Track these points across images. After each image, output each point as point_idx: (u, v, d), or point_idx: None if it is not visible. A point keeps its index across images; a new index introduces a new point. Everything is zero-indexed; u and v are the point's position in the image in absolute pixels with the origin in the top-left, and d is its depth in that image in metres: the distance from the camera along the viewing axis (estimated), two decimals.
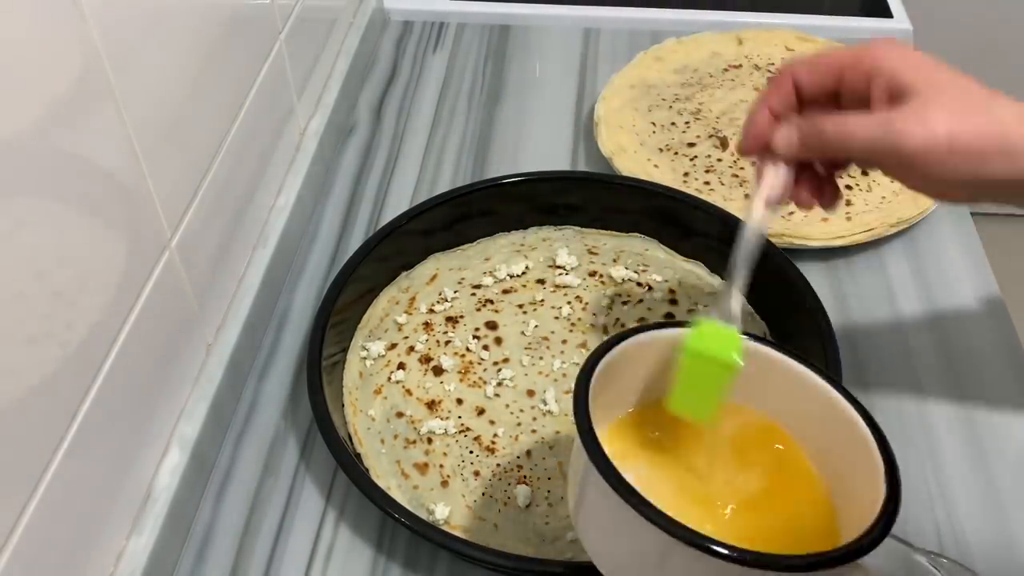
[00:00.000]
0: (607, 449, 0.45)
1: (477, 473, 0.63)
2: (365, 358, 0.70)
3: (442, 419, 0.66)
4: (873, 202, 0.81)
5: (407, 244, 0.76)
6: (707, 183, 0.83)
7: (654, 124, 0.89)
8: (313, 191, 0.84)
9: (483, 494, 0.62)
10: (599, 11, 1.07)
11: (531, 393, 0.67)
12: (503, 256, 0.77)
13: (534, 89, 0.98)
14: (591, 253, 0.78)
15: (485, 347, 0.70)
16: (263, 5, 0.73)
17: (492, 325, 0.72)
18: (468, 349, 0.70)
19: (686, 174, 0.84)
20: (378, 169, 0.89)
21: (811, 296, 0.68)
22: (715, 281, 0.75)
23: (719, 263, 0.76)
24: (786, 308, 0.70)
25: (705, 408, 0.51)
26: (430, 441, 0.65)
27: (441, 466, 0.63)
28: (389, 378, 0.69)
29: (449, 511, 0.61)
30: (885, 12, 1.06)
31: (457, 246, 0.78)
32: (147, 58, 0.55)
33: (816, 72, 0.52)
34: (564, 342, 0.71)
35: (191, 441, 0.62)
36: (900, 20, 1.05)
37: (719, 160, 0.85)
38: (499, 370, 0.69)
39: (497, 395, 0.67)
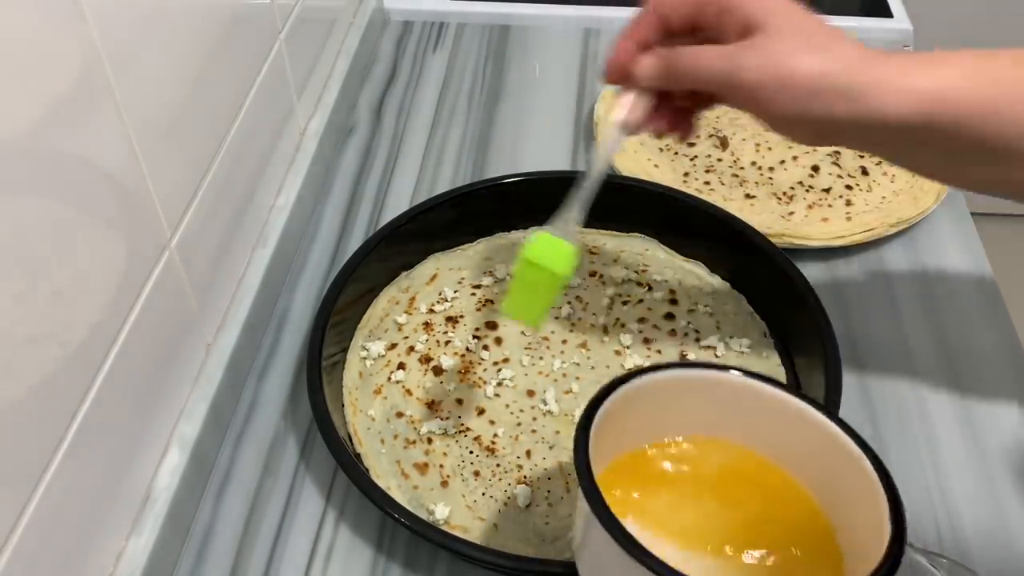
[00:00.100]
0: (609, 494, 0.44)
1: (477, 473, 0.63)
2: (365, 358, 0.70)
3: (442, 419, 0.66)
4: (873, 202, 0.81)
5: (407, 244, 0.76)
6: (707, 183, 0.83)
7: None
8: (313, 191, 0.84)
9: (483, 494, 0.62)
10: (599, 11, 1.07)
11: (531, 393, 0.67)
12: (503, 256, 0.77)
13: (534, 89, 0.98)
14: (591, 253, 0.78)
15: (485, 347, 0.70)
16: (263, 5, 0.73)
17: (492, 325, 0.72)
18: (468, 349, 0.70)
19: (686, 174, 0.84)
20: (378, 169, 0.89)
21: (811, 296, 0.68)
22: (715, 281, 0.75)
23: (719, 263, 0.76)
24: (786, 308, 0.70)
25: (534, 313, 0.56)
26: (430, 441, 0.65)
27: (441, 466, 0.63)
28: (389, 378, 0.69)
29: (449, 511, 0.61)
30: (885, 12, 1.06)
31: (457, 246, 0.78)
32: (147, 58, 0.55)
33: (678, 5, 0.54)
34: (564, 342, 0.71)
35: (191, 441, 0.62)
36: (900, 20, 1.05)
37: (719, 160, 0.85)
38: (499, 370, 0.69)
39: (497, 395, 0.67)
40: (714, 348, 0.70)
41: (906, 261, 0.79)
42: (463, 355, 0.70)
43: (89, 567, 0.53)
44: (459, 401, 0.67)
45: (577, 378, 0.68)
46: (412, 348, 0.70)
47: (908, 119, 0.49)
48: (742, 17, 0.51)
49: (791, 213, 0.80)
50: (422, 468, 0.63)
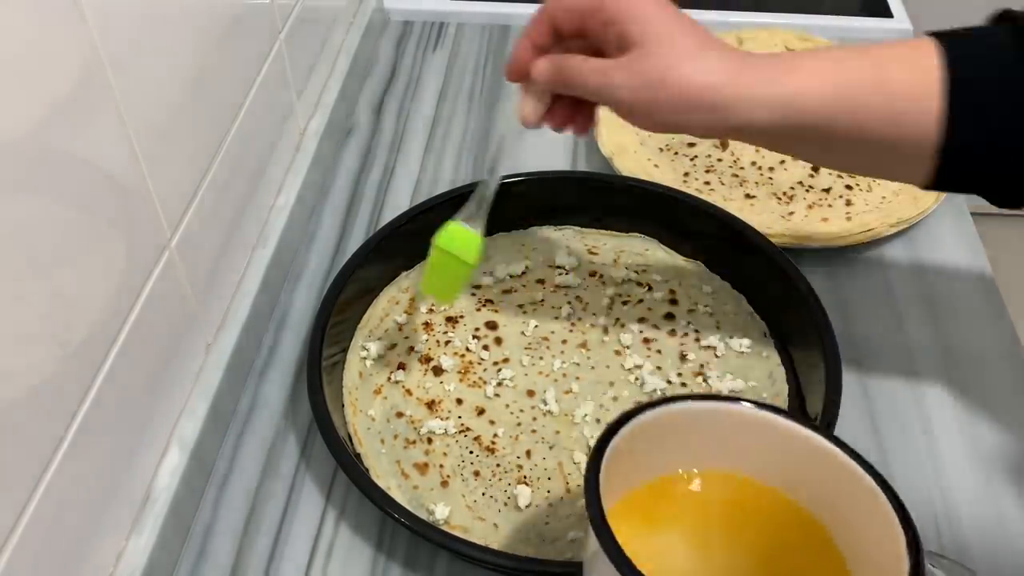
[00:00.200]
0: (619, 529, 0.44)
1: (477, 473, 0.63)
2: (365, 358, 0.70)
3: (442, 419, 0.66)
4: (873, 202, 0.81)
5: (407, 244, 0.76)
6: (707, 183, 0.83)
7: None
8: (313, 191, 0.84)
9: (483, 494, 0.62)
10: None
11: (531, 393, 0.67)
12: (503, 256, 0.77)
13: None
14: (591, 253, 0.78)
15: (485, 347, 0.70)
16: (263, 5, 0.73)
17: (492, 325, 0.72)
18: (468, 349, 0.70)
19: (686, 174, 0.84)
20: (378, 169, 0.89)
21: (811, 296, 0.68)
22: (715, 281, 0.75)
23: (719, 263, 0.76)
24: (786, 308, 0.70)
25: (447, 293, 0.64)
26: (430, 441, 0.65)
27: (441, 466, 0.63)
28: (389, 378, 0.69)
29: (449, 511, 0.61)
30: (885, 12, 1.07)
31: None
32: (147, 58, 0.55)
33: (566, 12, 0.57)
34: (564, 342, 0.71)
35: (191, 441, 0.62)
36: (900, 20, 1.05)
37: (719, 160, 0.85)
38: (499, 370, 0.69)
39: (497, 395, 0.67)
40: (714, 348, 0.70)
41: (906, 261, 0.79)
42: (463, 355, 0.70)
43: (89, 567, 0.53)
44: (459, 401, 0.67)
45: (577, 378, 0.68)
46: (412, 348, 0.70)
47: (772, 126, 0.53)
48: (620, 32, 0.54)
49: (791, 213, 0.80)
50: (422, 468, 0.63)
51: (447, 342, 0.71)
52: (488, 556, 0.56)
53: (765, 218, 0.78)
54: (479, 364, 0.69)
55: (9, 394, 0.44)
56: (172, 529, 0.59)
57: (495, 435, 0.65)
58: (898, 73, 0.52)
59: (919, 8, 1.10)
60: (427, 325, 0.72)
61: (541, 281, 0.75)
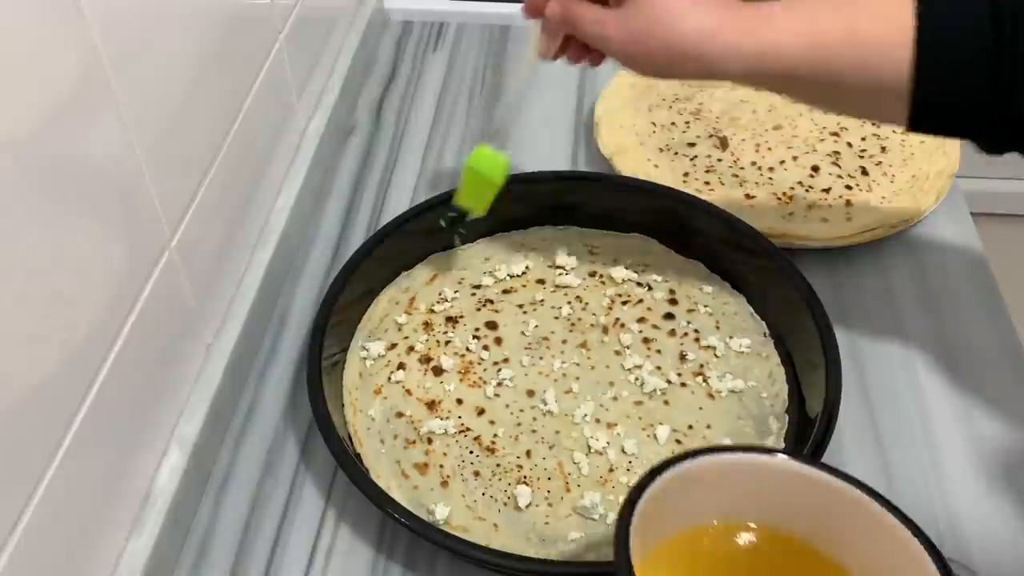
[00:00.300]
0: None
1: (477, 473, 0.63)
2: (365, 358, 0.70)
3: (442, 419, 0.66)
4: (873, 202, 0.81)
5: (407, 244, 0.76)
6: (707, 183, 0.83)
7: (654, 124, 0.89)
8: (313, 191, 0.84)
9: (483, 494, 0.62)
10: None
11: (531, 393, 0.67)
12: (503, 256, 0.77)
13: (534, 89, 0.98)
14: (591, 253, 0.78)
15: (485, 347, 0.70)
16: (263, 5, 0.73)
17: (492, 325, 0.72)
18: (468, 349, 0.70)
19: (686, 174, 0.84)
20: (378, 169, 0.89)
21: (811, 296, 0.68)
22: (715, 281, 0.75)
23: (719, 263, 0.76)
24: (786, 308, 0.70)
25: (480, 206, 0.72)
26: (430, 441, 0.65)
27: (441, 466, 0.63)
28: (389, 378, 0.69)
29: (449, 511, 0.61)
30: None
31: (457, 246, 0.78)
32: (147, 58, 0.55)
33: None
34: (564, 342, 0.71)
35: (191, 441, 0.62)
36: None
37: (719, 160, 0.85)
38: (499, 370, 0.69)
39: (497, 395, 0.67)
40: (714, 348, 0.70)
41: (906, 261, 0.79)
42: (463, 355, 0.70)
43: (89, 567, 0.53)
44: (459, 401, 0.67)
45: (577, 378, 0.68)
46: (412, 348, 0.70)
47: (749, 75, 0.57)
48: None
49: (791, 213, 0.80)
50: (422, 468, 0.63)
51: (447, 342, 0.71)
52: (488, 556, 0.56)
53: (765, 218, 0.78)
54: (479, 364, 0.69)
55: (10, 394, 0.44)
56: (172, 529, 0.59)
57: (495, 435, 0.65)
58: (871, 24, 0.54)
59: None
60: (427, 325, 0.72)
61: (541, 281, 0.75)
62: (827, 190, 0.82)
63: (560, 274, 0.76)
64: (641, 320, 0.72)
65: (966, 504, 0.63)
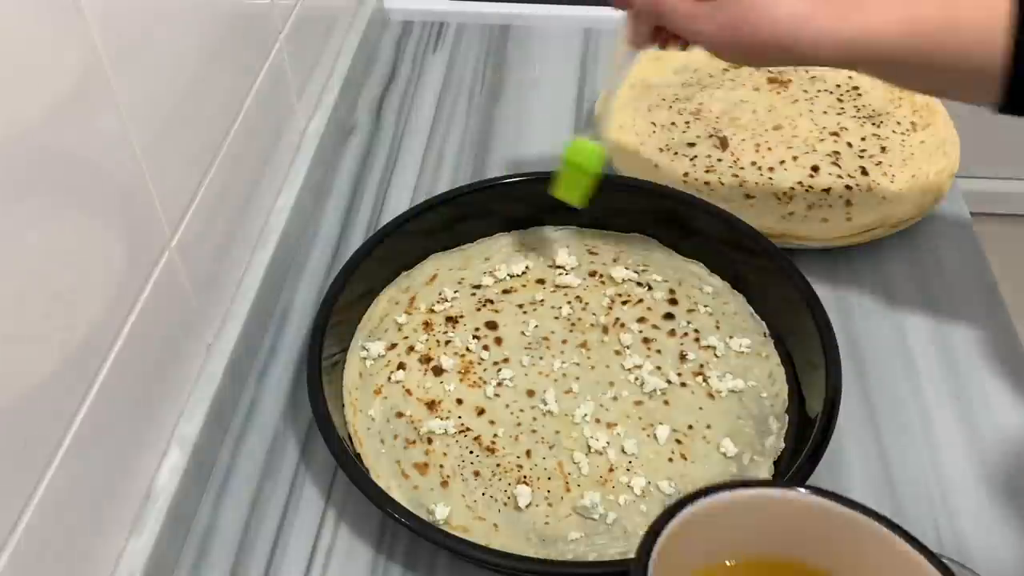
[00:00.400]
0: None
1: (477, 473, 0.63)
2: (365, 358, 0.70)
3: (442, 419, 0.66)
4: (873, 202, 0.81)
5: (407, 244, 0.76)
6: (707, 183, 0.83)
7: (654, 124, 0.89)
8: (313, 191, 0.84)
9: (483, 494, 0.62)
10: (599, 11, 1.06)
11: (531, 393, 0.67)
12: (503, 256, 0.77)
13: (534, 89, 0.98)
14: (591, 253, 0.78)
15: (485, 347, 0.70)
16: (263, 5, 0.73)
17: (492, 325, 0.72)
18: (468, 349, 0.70)
19: (686, 174, 0.84)
20: (378, 169, 0.89)
21: (811, 296, 0.68)
22: (715, 281, 0.75)
23: (719, 263, 0.76)
24: (786, 308, 0.70)
25: (576, 197, 0.73)
26: (430, 441, 0.65)
27: (441, 466, 0.63)
28: (389, 378, 0.69)
29: (449, 511, 0.61)
30: None
31: (457, 246, 0.78)
32: (147, 57, 0.55)
33: None
34: (564, 342, 0.71)
35: (191, 441, 0.62)
36: None
37: (719, 160, 0.85)
38: (499, 370, 0.69)
39: (497, 395, 0.67)
40: (714, 348, 0.70)
41: (906, 261, 0.79)
42: (463, 355, 0.70)
43: (89, 567, 0.53)
44: (459, 401, 0.67)
45: (577, 378, 0.68)
46: (412, 348, 0.70)
47: (842, 61, 0.59)
48: None
49: (791, 213, 0.80)
50: (422, 468, 0.63)
51: (447, 342, 0.71)
52: (488, 556, 0.56)
53: (765, 218, 0.78)
54: (479, 364, 0.69)
55: (10, 394, 0.44)
56: (172, 529, 0.59)
57: (495, 435, 0.65)
58: (967, 10, 0.55)
59: None
60: (427, 325, 0.72)
61: (541, 281, 0.75)
62: (827, 190, 0.82)
63: (560, 274, 0.76)
64: (641, 320, 0.72)
65: (966, 504, 0.63)
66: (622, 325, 0.72)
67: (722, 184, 0.83)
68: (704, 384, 0.68)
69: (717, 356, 0.70)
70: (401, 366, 0.69)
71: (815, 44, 0.57)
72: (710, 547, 0.49)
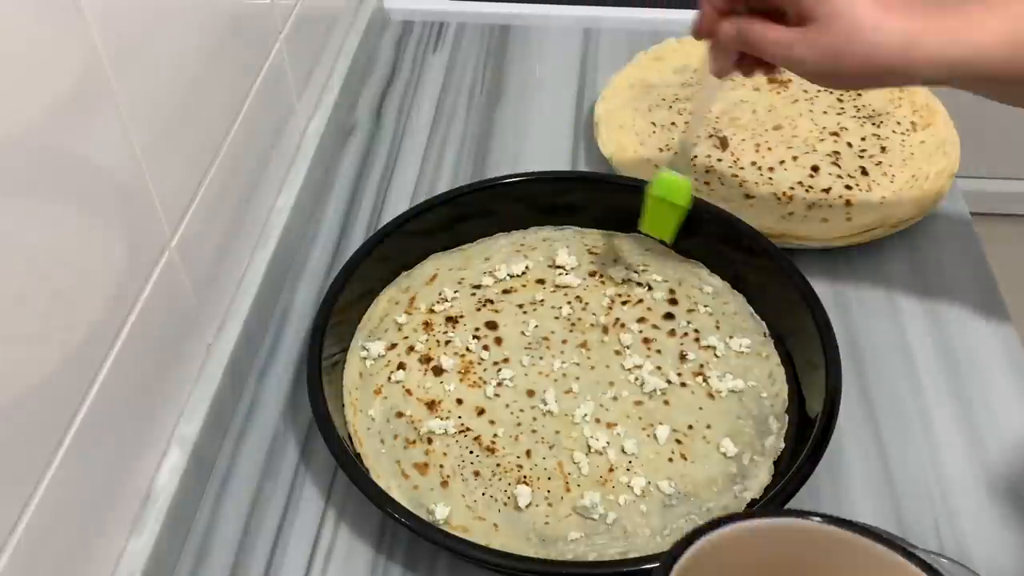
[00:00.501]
0: None
1: (477, 473, 0.63)
2: (365, 358, 0.70)
3: (442, 419, 0.66)
4: (873, 202, 0.81)
5: (407, 244, 0.76)
6: (707, 183, 0.83)
7: (654, 124, 0.89)
8: (313, 191, 0.84)
9: (483, 494, 0.62)
10: (599, 11, 1.06)
11: (531, 393, 0.67)
12: (503, 256, 0.77)
13: (534, 89, 0.98)
14: (591, 253, 0.78)
15: (485, 347, 0.70)
16: (263, 5, 0.73)
17: (492, 325, 0.72)
18: (468, 349, 0.70)
19: None
20: (378, 169, 0.89)
21: (811, 296, 0.68)
22: (715, 281, 0.75)
23: (719, 263, 0.76)
24: (786, 308, 0.70)
25: (665, 232, 0.72)
26: (430, 441, 0.65)
27: (441, 466, 0.63)
28: (389, 378, 0.69)
29: (449, 511, 0.61)
30: None
31: (457, 246, 0.78)
32: (147, 58, 0.55)
33: None
34: (564, 342, 0.71)
35: (191, 441, 0.62)
36: None
37: (719, 160, 0.85)
38: (499, 370, 0.69)
39: (497, 395, 0.67)
40: (714, 348, 0.70)
41: (906, 261, 0.79)
42: (463, 355, 0.70)
43: (89, 567, 0.53)
44: (459, 401, 0.67)
45: (577, 378, 0.68)
46: (412, 348, 0.70)
47: (951, 79, 0.57)
48: (797, 5, 0.58)
49: (791, 213, 0.80)
50: (422, 468, 0.63)
51: (447, 342, 0.71)
52: (488, 556, 0.56)
53: (765, 218, 0.78)
54: (479, 364, 0.69)
55: (9, 394, 0.44)
56: (172, 529, 0.59)
57: (495, 435, 0.65)
58: None
59: None
60: (427, 325, 0.72)
61: (541, 281, 0.75)
62: (827, 190, 0.82)
63: (560, 274, 0.76)
64: (641, 320, 0.72)
65: (966, 504, 0.63)
66: (622, 325, 0.72)
67: (722, 184, 0.83)
68: (704, 384, 0.68)
69: (717, 356, 0.70)
70: (401, 366, 0.69)
71: (926, 66, 0.56)
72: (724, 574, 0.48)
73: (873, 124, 0.88)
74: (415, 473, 0.63)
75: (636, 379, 0.68)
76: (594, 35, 1.05)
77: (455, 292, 0.74)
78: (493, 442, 0.65)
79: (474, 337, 0.71)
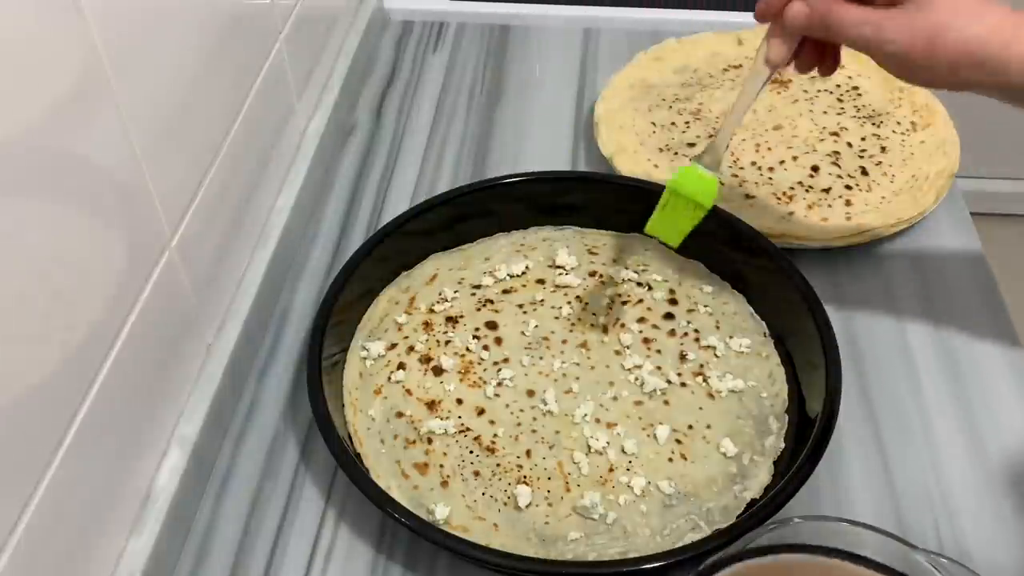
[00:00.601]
0: None
1: (477, 473, 0.63)
2: (365, 358, 0.70)
3: (442, 419, 0.66)
4: (873, 202, 0.81)
5: (407, 244, 0.76)
6: None
7: (654, 124, 0.89)
8: (313, 191, 0.84)
9: (483, 494, 0.62)
10: (599, 11, 1.07)
11: (531, 393, 0.67)
12: (503, 256, 0.77)
13: (534, 89, 0.98)
14: (591, 253, 0.78)
15: (485, 347, 0.70)
16: (263, 5, 0.73)
17: (492, 325, 0.72)
18: (468, 349, 0.70)
19: None
20: (378, 169, 0.89)
21: (811, 296, 0.68)
22: (715, 281, 0.75)
23: (719, 263, 0.76)
24: (786, 308, 0.70)
25: (674, 234, 0.63)
26: (430, 441, 0.65)
27: (441, 466, 0.63)
28: (389, 378, 0.69)
29: (449, 511, 0.61)
30: None
31: (457, 246, 0.78)
32: (147, 58, 0.55)
33: None
34: (564, 342, 0.71)
35: (191, 441, 0.62)
36: None
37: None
38: (499, 370, 0.69)
39: (497, 395, 0.67)
40: (714, 348, 0.70)
41: (906, 261, 0.79)
42: (463, 355, 0.70)
43: (89, 567, 0.53)
44: (459, 401, 0.67)
45: (577, 378, 0.68)
46: (412, 348, 0.70)
47: None
48: None
49: (791, 213, 0.80)
50: (422, 468, 0.63)
51: (447, 342, 0.71)
52: (488, 556, 0.56)
53: (765, 218, 0.78)
54: (479, 364, 0.69)
55: (9, 394, 0.44)
56: (172, 529, 0.59)
57: (495, 435, 0.65)
58: None
59: None
60: (427, 325, 0.72)
61: (541, 281, 0.75)
62: (827, 190, 0.82)
63: (560, 274, 0.76)
64: (641, 320, 0.72)
65: (966, 504, 0.63)
66: (622, 325, 0.72)
67: (722, 184, 0.83)
68: (704, 384, 0.68)
69: (717, 356, 0.70)
70: (401, 366, 0.69)
71: (1017, 63, 0.52)
72: None
73: (873, 124, 0.88)
74: (415, 473, 0.63)
75: (636, 379, 0.68)
76: (594, 35, 1.05)
77: (455, 292, 0.74)
78: (493, 442, 0.65)
79: (474, 337, 0.71)
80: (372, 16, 1.01)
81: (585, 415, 0.66)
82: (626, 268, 0.76)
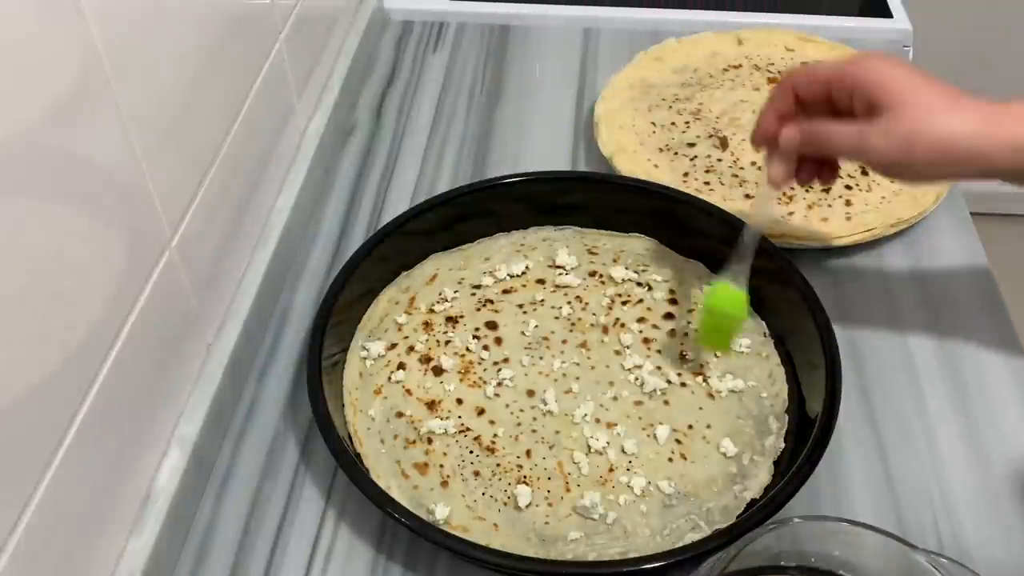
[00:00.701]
0: None
1: (477, 473, 0.63)
2: (365, 358, 0.70)
3: (442, 419, 0.66)
4: (873, 202, 0.81)
5: (407, 244, 0.76)
6: (707, 183, 0.83)
7: (654, 124, 0.89)
8: (313, 191, 0.84)
9: (483, 494, 0.62)
10: (599, 11, 1.07)
11: (531, 393, 0.67)
12: (503, 256, 0.77)
13: (534, 89, 0.98)
14: (591, 253, 0.78)
15: (485, 347, 0.70)
16: (263, 5, 0.73)
17: (492, 325, 0.72)
18: (468, 349, 0.70)
19: (686, 174, 0.84)
20: (378, 169, 0.89)
21: (811, 296, 0.68)
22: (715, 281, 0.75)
23: (719, 263, 0.75)
24: (786, 308, 0.70)
25: (722, 344, 0.69)
26: (430, 441, 0.65)
27: (441, 466, 0.63)
28: (389, 378, 0.69)
29: (449, 511, 0.61)
30: (885, 12, 1.06)
31: (457, 246, 0.78)
32: (147, 58, 0.55)
33: (810, 83, 0.61)
34: (564, 342, 0.71)
35: (191, 441, 0.62)
36: (900, 20, 1.05)
37: (719, 160, 0.85)
38: (499, 370, 0.69)
39: (497, 395, 0.67)
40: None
41: (906, 261, 0.79)
42: (463, 355, 0.70)
43: (89, 567, 0.53)
44: (459, 401, 0.67)
45: (577, 378, 0.68)
46: (412, 348, 0.70)
47: (1017, 171, 0.56)
48: (868, 98, 0.58)
49: (791, 213, 0.80)
50: (422, 468, 0.63)
51: (447, 342, 0.71)
52: (488, 556, 0.56)
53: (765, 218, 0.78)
54: (479, 364, 0.69)
55: (9, 394, 0.44)
56: (172, 529, 0.59)
57: (495, 435, 0.65)
58: None
59: (919, 8, 1.10)
60: (427, 325, 0.72)
61: (541, 281, 0.75)
62: (827, 190, 0.82)
63: (560, 274, 0.76)
64: (641, 320, 0.72)
65: (966, 504, 0.63)
66: (622, 325, 0.72)
67: (722, 184, 0.83)
68: (704, 384, 0.68)
69: (717, 356, 0.70)
70: (401, 366, 0.69)
71: (1000, 153, 0.55)
72: None
73: None
74: (415, 473, 0.63)
75: (636, 379, 0.68)
76: (594, 35, 1.05)
77: (455, 292, 0.74)
78: (493, 442, 0.65)
79: (474, 337, 0.71)
80: (372, 16, 1.01)
81: (585, 415, 0.66)
82: (626, 268, 0.76)
